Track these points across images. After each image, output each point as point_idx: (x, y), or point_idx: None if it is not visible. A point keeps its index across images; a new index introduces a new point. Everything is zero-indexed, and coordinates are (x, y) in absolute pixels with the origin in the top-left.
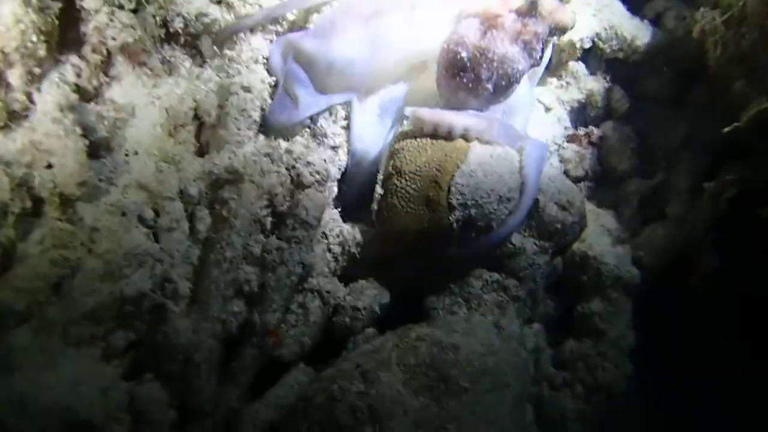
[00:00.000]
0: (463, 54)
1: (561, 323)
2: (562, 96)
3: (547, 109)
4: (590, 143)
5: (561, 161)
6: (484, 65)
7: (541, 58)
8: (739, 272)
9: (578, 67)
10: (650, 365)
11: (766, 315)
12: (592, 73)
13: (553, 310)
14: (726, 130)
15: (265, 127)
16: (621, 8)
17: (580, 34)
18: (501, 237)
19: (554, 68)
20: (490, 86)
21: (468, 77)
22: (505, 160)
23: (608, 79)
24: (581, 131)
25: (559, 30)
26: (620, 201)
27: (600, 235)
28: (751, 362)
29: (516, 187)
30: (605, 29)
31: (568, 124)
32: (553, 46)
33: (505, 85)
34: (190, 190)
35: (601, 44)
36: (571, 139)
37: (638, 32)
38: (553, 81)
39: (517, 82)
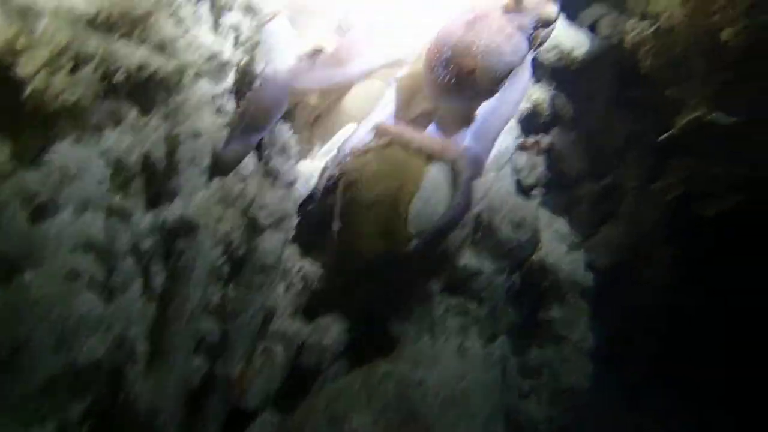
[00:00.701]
0: (447, 49)
1: (525, 330)
2: None
3: None
4: (541, 150)
5: (514, 170)
6: (468, 58)
7: (528, 51)
8: (689, 269)
9: None
10: (612, 365)
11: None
12: (538, 80)
13: (516, 319)
14: (662, 137)
15: (219, 166)
16: (560, 18)
17: None
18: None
19: None
20: (475, 79)
21: (452, 72)
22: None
23: (554, 86)
24: (531, 139)
25: (544, 22)
26: (573, 204)
27: (555, 241)
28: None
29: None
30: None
31: (519, 132)
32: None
33: (490, 79)
34: (143, 245)
35: (543, 54)
36: (522, 147)
37: (577, 42)
38: None
39: (505, 75)
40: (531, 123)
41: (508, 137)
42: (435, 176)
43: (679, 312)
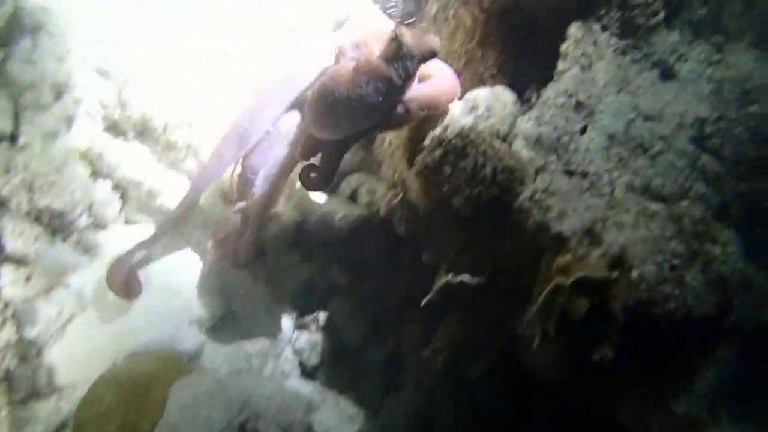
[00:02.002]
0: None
1: None
2: None
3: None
4: (320, 327)
5: (295, 353)
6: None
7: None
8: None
9: (291, 254)
10: None
11: None
12: (307, 259)
13: None
14: (424, 302)
15: None
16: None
17: None
18: None
19: None
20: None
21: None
22: (214, 396)
23: (325, 259)
24: (309, 318)
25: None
26: (359, 377)
27: (341, 424)
28: None
29: (228, 426)
30: None
31: (294, 313)
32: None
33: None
34: None
35: (308, 226)
36: (300, 327)
37: (341, 211)
38: None
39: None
40: (306, 300)
41: (283, 323)
42: (182, 395)
43: None
